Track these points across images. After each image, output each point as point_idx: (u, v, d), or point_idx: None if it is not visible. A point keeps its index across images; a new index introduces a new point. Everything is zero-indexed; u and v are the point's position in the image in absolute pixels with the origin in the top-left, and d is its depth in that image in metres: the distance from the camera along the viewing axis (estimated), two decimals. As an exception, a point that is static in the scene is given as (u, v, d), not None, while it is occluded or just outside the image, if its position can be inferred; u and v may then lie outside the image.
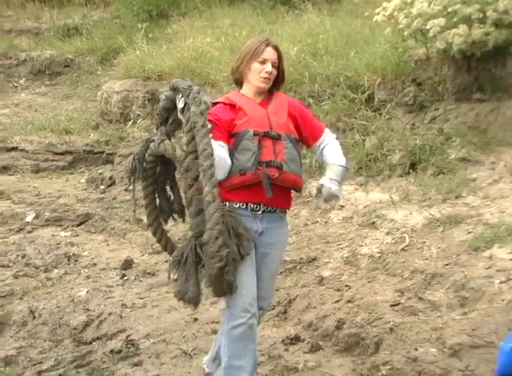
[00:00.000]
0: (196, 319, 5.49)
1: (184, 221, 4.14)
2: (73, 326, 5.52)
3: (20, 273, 6.56)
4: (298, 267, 6.08)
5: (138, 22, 13.91)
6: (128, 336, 5.32)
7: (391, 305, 5.08)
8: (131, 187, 4.02)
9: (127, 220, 7.95)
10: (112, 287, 6.23)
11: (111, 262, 6.75)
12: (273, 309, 5.51)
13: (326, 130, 4.27)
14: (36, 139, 10.33)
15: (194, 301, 3.70)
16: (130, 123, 10.82)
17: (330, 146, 4.22)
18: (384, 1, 7.50)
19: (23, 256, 6.95)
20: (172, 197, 3.96)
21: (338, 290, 5.49)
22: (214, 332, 5.22)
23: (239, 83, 4.19)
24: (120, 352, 5.11)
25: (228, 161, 3.85)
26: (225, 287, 3.65)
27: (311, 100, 8.16)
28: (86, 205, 8.47)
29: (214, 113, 3.89)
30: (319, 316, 5.13)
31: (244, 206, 3.95)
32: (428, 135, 6.97)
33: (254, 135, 3.90)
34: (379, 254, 5.91)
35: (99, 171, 9.65)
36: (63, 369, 4.93)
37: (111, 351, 5.12)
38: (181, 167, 3.63)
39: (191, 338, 5.23)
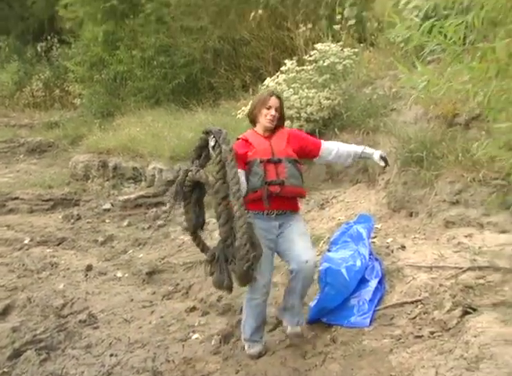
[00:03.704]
0: (132, 300, 5.42)
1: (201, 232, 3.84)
2: (55, 306, 5.39)
3: (21, 275, 6.38)
4: (195, 266, 5.98)
5: (95, 119, 13.69)
6: (90, 311, 5.22)
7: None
8: (171, 205, 3.59)
9: (88, 241, 7.74)
10: (79, 282, 6.07)
11: (79, 266, 6.56)
12: (180, 291, 5.50)
13: (322, 141, 3.97)
14: (30, 192, 9.96)
15: (230, 288, 3.40)
16: (89, 181, 10.61)
17: (341, 145, 3.95)
18: (243, 106, 7.71)
19: (23, 264, 6.70)
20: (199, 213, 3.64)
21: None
22: (145, 307, 5.21)
23: (253, 122, 3.84)
24: (85, 321, 5.03)
25: (244, 184, 3.53)
26: (249, 280, 3.34)
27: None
28: (62, 232, 8.20)
29: (234, 148, 3.50)
30: (207, 294, 5.14)
31: (261, 213, 3.65)
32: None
33: (260, 162, 3.60)
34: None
35: (70, 211, 9.38)
36: (49, 333, 4.82)
37: (79, 321, 5.03)
38: (212, 189, 3.33)
39: (129, 311, 5.17)
